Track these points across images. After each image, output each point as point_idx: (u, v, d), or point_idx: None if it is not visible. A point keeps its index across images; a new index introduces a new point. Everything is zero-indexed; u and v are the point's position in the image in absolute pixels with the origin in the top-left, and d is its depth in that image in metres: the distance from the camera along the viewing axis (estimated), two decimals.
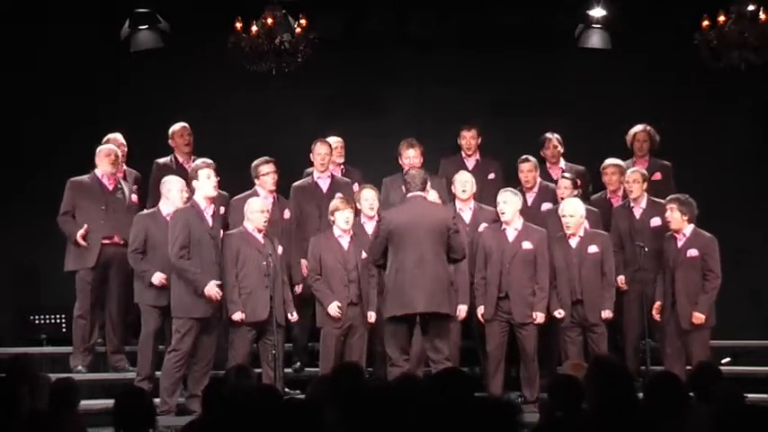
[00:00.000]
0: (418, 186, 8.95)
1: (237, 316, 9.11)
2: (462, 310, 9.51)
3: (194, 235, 9.00)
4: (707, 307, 9.37)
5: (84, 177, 9.95)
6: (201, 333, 9.07)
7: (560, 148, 10.80)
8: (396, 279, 8.80)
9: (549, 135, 10.80)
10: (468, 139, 10.75)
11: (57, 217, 9.88)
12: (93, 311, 9.89)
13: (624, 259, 9.95)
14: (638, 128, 10.65)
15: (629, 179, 10.05)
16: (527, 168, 10.32)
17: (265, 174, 9.76)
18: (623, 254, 9.96)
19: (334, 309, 9.31)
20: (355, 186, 10.30)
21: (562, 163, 10.81)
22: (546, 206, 10.27)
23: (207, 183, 9.12)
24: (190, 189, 9.30)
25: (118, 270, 9.78)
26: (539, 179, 10.39)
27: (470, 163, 10.74)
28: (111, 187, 9.93)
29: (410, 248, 8.77)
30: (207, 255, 9.04)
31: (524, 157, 10.38)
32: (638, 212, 10.00)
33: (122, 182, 10.04)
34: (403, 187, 9.12)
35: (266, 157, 9.86)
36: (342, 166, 10.63)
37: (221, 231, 9.30)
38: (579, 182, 10.21)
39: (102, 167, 9.90)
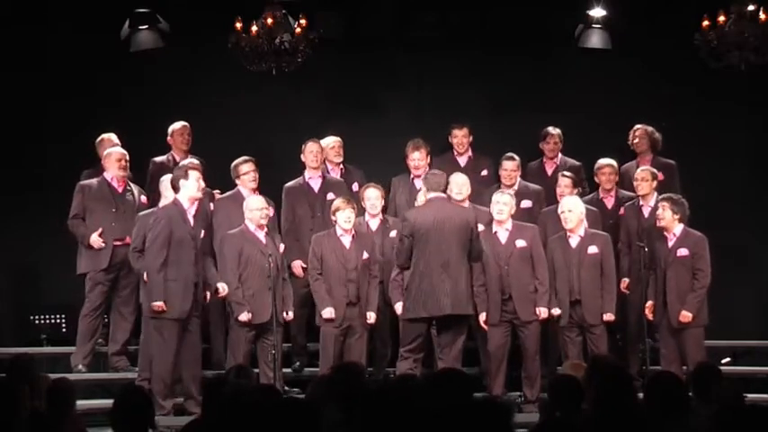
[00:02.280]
0: (441, 187, 8.96)
1: (244, 317, 9.13)
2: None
3: (176, 235, 8.97)
4: (695, 305, 9.37)
5: (93, 181, 9.97)
6: (186, 334, 9.04)
7: (560, 144, 10.78)
8: (421, 281, 8.85)
9: (551, 129, 10.78)
10: (460, 137, 10.75)
11: (67, 220, 9.88)
12: (100, 312, 9.88)
13: (631, 259, 9.94)
14: (637, 126, 10.67)
15: (637, 177, 10.04)
16: (510, 167, 10.28)
17: (245, 173, 9.77)
18: (631, 254, 9.95)
19: (327, 313, 9.32)
20: (355, 186, 10.30)
21: (558, 158, 10.80)
22: (525, 204, 10.23)
23: (195, 185, 9.09)
24: (175, 187, 9.24)
25: (129, 271, 9.76)
26: (518, 179, 10.35)
27: (462, 161, 10.74)
28: (120, 190, 9.94)
29: (434, 250, 8.82)
30: (186, 255, 8.99)
31: (509, 155, 10.34)
32: (646, 211, 9.97)
33: (131, 184, 10.04)
34: (424, 186, 9.14)
35: (246, 157, 9.87)
36: (341, 166, 10.62)
37: (202, 231, 9.24)
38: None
39: (112, 171, 9.90)
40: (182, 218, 9.03)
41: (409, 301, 8.98)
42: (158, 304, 8.91)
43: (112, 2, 10.96)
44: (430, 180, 9.15)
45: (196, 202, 9.18)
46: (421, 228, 8.87)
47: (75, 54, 11.06)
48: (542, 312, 9.43)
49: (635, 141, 10.66)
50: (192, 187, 9.08)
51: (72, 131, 10.98)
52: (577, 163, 10.69)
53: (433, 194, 9.05)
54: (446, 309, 8.86)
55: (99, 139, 10.29)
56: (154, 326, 9.03)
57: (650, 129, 10.67)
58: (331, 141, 10.54)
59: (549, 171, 10.72)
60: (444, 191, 9.11)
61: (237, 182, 9.85)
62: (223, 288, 9.20)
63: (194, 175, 9.11)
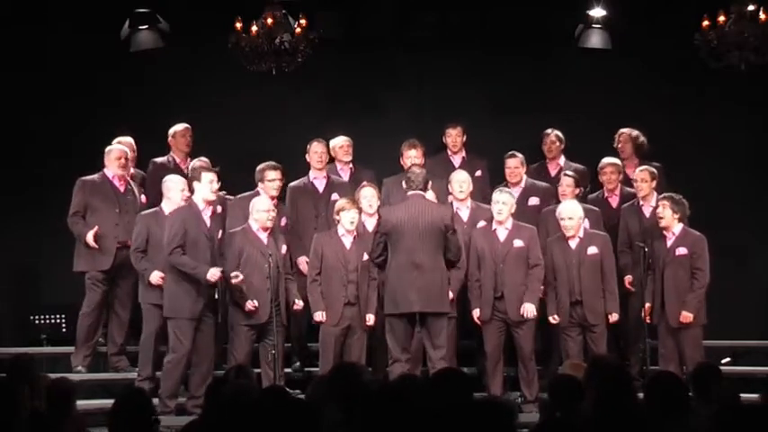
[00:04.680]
0: (419, 185, 9.04)
1: (250, 305, 9.10)
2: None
3: (191, 235, 8.99)
4: (695, 305, 9.37)
5: (95, 177, 9.92)
6: (197, 334, 9.05)
7: (559, 144, 10.76)
8: (393, 277, 8.92)
9: (548, 131, 10.78)
10: (454, 136, 10.76)
11: (67, 217, 9.83)
12: (99, 311, 9.88)
13: (633, 259, 9.94)
14: (622, 130, 10.67)
15: (636, 178, 10.04)
16: (513, 164, 10.29)
17: (271, 180, 9.76)
18: (632, 254, 9.95)
19: (319, 316, 9.35)
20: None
21: (561, 160, 10.79)
22: (533, 201, 10.23)
23: (208, 187, 9.12)
24: (189, 189, 9.29)
25: (128, 272, 9.74)
26: (524, 176, 10.36)
27: (456, 161, 10.74)
28: (122, 189, 9.92)
29: (407, 247, 8.87)
30: (202, 255, 9.02)
31: (511, 152, 10.36)
32: (647, 211, 9.96)
33: (132, 183, 10.03)
34: (404, 185, 9.19)
35: (273, 163, 9.85)
36: (350, 165, 10.62)
37: (219, 232, 9.27)
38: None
39: (112, 169, 9.88)
40: (196, 218, 9.05)
41: (385, 298, 9.04)
42: (215, 274, 8.90)
43: (112, 2, 10.97)
44: (412, 178, 9.16)
45: (211, 206, 9.19)
46: (395, 225, 8.93)
47: (75, 54, 11.07)
48: (528, 308, 9.38)
49: (618, 146, 10.67)
50: (204, 190, 9.10)
51: (72, 131, 11.00)
52: (581, 167, 10.66)
53: (411, 192, 9.08)
54: (415, 306, 8.89)
55: (116, 140, 10.23)
56: (169, 325, 9.06)
57: (634, 133, 10.66)
58: (340, 141, 10.55)
59: (553, 172, 10.68)
60: (424, 189, 9.12)
61: (260, 185, 9.82)
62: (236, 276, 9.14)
63: (208, 178, 9.12)
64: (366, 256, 9.44)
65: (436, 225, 8.92)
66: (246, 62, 10.21)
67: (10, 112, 11.13)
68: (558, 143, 10.76)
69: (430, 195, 9.46)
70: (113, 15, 10.94)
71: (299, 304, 9.43)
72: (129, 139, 10.26)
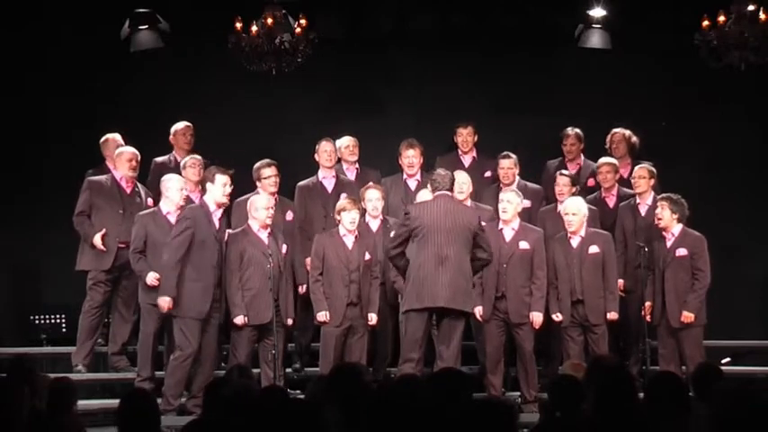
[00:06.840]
0: (446, 186, 9.07)
1: (240, 320, 9.12)
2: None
3: (199, 236, 8.99)
4: (696, 306, 9.38)
5: (102, 178, 9.94)
6: (203, 333, 9.06)
7: (579, 145, 10.72)
8: (418, 274, 8.91)
9: (568, 130, 10.73)
10: (465, 136, 10.76)
11: (68, 217, 9.84)
12: (101, 311, 9.88)
13: (626, 258, 9.95)
14: (615, 130, 10.66)
15: (635, 175, 10.04)
16: (507, 165, 10.26)
17: (267, 177, 9.77)
18: (626, 252, 9.95)
19: (322, 316, 9.35)
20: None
21: (581, 159, 10.76)
22: (524, 203, 10.22)
23: (221, 190, 9.12)
24: (201, 189, 9.24)
25: (131, 272, 9.73)
26: (518, 178, 10.34)
27: (467, 161, 10.75)
28: (128, 191, 9.93)
29: (436, 244, 8.89)
30: (209, 257, 9.02)
31: (505, 153, 10.33)
32: (643, 209, 9.96)
33: (139, 185, 10.04)
34: (429, 186, 9.23)
35: (268, 160, 9.86)
36: (356, 165, 10.62)
37: (226, 233, 9.27)
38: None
39: (122, 171, 9.89)
40: (207, 219, 9.06)
41: (407, 294, 9.03)
42: (166, 300, 8.91)
43: (112, 2, 10.97)
44: (436, 180, 9.19)
45: (221, 208, 9.20)
46: (423, 223, 8.94)
47: (75, 54, 11.07)
48: (535, 317, 9.41)
49: (612, 146, 10.66)
50: (217, 192, 9.11)
51: (72, 132, 10.98)
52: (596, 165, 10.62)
53: (439, 192, 9.11)
54: (440, 301, 8.88)
55: (104, 138, 10.26)
56: (177, 324, 9.05)
57: (627, 133, 10.66)
58: (346, 141, 10.56)
59: (573, 172, 10.63)
60: (450, 190, 9.15)
61: (258, 184, 9.83)
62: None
63: (221, 180, 9.13)
64: (368, 255, 9.45)
65: (465, 225, 8.97)
66: (246, 62, 10.21)
67: (10, 112, 11.12)
68: (578, 144, 10.72)
69: (427, 195, 9.48)
70: (113, 15, 10.94)
71: (289, 323, 9.43)
72: (117, 136, 10.26)
